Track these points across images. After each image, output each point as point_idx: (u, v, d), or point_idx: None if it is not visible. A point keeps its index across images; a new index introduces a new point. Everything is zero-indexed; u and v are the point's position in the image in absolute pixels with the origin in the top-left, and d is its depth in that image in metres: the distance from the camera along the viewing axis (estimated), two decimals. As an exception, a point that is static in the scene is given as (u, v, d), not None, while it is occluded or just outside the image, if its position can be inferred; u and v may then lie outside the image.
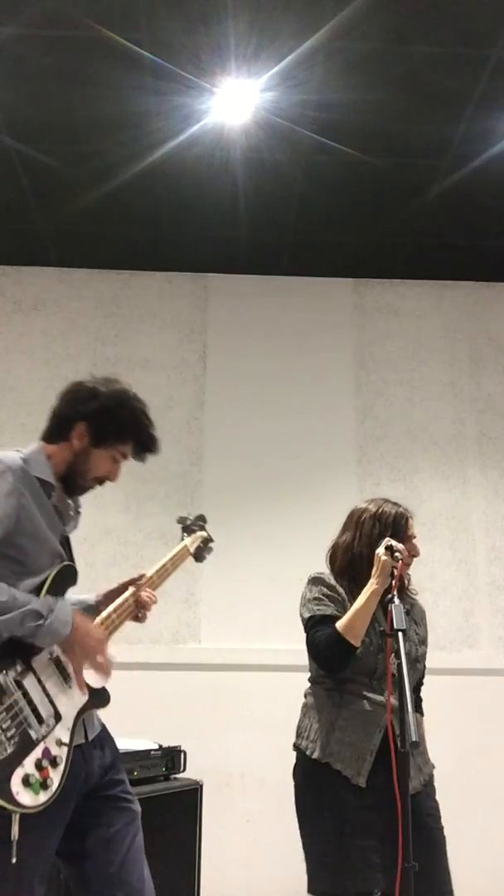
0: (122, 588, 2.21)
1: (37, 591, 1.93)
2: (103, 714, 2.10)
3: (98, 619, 2.07)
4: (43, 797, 1.73)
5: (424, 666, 2.58)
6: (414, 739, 1.87)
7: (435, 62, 3.11)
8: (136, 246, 4.44)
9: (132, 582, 2.21)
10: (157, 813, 3.09)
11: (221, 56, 3.06)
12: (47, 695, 1.85)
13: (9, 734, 1.72)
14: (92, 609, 2.20)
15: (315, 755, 2.31)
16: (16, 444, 4.93)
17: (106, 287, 4.64)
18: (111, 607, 2.13)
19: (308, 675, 2.53)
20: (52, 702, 1.85)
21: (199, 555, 2.52)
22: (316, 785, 2.32)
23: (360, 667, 2.34)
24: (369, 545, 2.41)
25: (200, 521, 2.61)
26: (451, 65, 3.12)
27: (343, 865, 2.18)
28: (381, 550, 2.31)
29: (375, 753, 2.26)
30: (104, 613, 2.10)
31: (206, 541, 2.57)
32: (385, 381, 4.63)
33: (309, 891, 2.28)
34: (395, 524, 2.47)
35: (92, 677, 1.98)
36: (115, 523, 4.29)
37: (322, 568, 2.56)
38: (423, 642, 2.58)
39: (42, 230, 4.26)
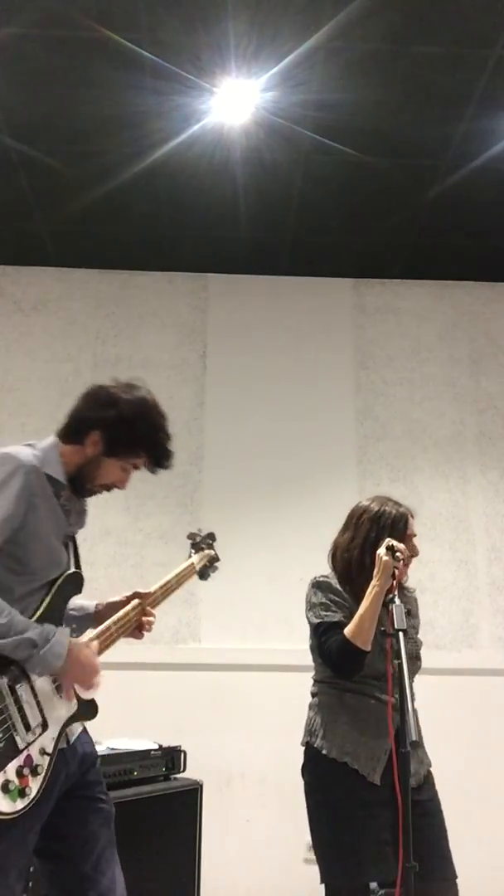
0: (124, 601, 2.18)
1: (39, 597, 1.92)
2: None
3: (96, 631, 2.06)
4: (20, 804, 1.72)
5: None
6: (414, 739, 1.88)
7: (435, 62, 3.11)
8: (136, 246, 4.44)
9: (136, 596, 2.19)
10: (157, 813, 3.09)
11: (221, 56, 3.06)
12: (38, 703, 1.84)
13: None
14: (91, 618, 2.19)
15: (332, 754, 2.34)
16: (16, 445, 4.89)
17: (106, 287, 4.64)
18: (111, 620, 2.10)
19: (313, 673, 2.55)
20: (41, 710, 1.84)
21: (204, 573, 2.52)
22: (331, 782, 2.35)
23: (367, 669, 2.35)
24: (364, 549, 2.42)
25: (209, 539, 2.60)
26: (451, 65, 3.11)
27: (360, 857, 2.23)
28: (381, 551, 2.31)
29: (389, 752, 2.28)
30: (103, 626, 2.08)
31: (213, 559, 2.57)
32: (385, 381, 4.63)
33: (323, 881, 2.32)
34: (393, 526, 2.46)
35: (81, 689, 1.98)
36: (114, 523, 4.29)
37: (321, 567, 2.56)
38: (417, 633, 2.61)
39: (42, 230, 4.26)
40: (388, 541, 2.34)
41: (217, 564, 2.58)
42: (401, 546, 2.32)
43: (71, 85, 3.24)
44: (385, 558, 2.28)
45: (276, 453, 4.46)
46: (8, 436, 4.40)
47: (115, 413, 2.03)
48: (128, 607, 2.15)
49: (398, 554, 2.28)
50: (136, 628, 2.16)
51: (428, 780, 2.44)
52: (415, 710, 2.45)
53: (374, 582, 2.30)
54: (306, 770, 2.43)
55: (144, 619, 2.16)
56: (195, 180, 3.80)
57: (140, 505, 4.33)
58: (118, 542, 4.29)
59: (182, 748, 3.42)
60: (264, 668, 4.06)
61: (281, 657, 4.03)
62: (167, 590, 2.28)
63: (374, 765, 2.31)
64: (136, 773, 3.17)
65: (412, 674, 2.45)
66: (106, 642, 2.05)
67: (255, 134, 3.49)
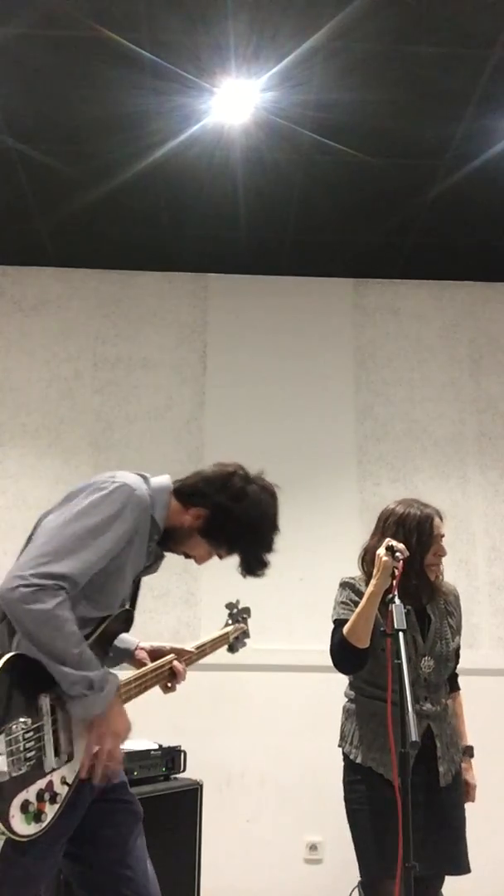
0: (166, 651, 2.22)
1: (91, 628, 1.92)
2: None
3: (134, 674, 2.08)
4: (32, 829, 1.69)
5: (458, 654, 2.66)
6: (414, 739, 1.88)
7: (435, 62, 3.11)
8: (136, 246, 4.44)
9: (176, 651, 2.23)
10: (157, 813, 3.09)
11: (221, 56, 3.06)
12: (71, 731, 1.83)
13: (28, 755, 1.70)
14: (129, 654, 2.21)
15: (358, 760, 2.45)
16: (16, 445, 4.91)
17: (106, 287, 4.64)
18: (150, 667, 2.13)
19: (347, 678, 2.61)
20: (72, 740, 1.83)
21: (234, 646, 2.56)
22: (362, 784, 2.45)
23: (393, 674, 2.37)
24: None
25: (245, 614, 2.64)
26: (451, 65, 3.11)
27: (392, 852, 2.25)
28: (381, 551, 2.31)
29: (415, 756, 2.29)
30: (142, 671, 2.11)
31: (245, 634, 2.61)
32: (385, 381, 4.63)
33: (360, 877, 2.44)
34: (419, 528, 2.47)
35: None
36: (115, 523, 4.28)
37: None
38: (458, 632, 2.63)
39: (42, 230, 4.25)
40: (388, 540, 2.34)
41: (247, 640, 2.62)
42: (400, 546, 2.32)
43: (71, 85, 3.24)
44: (384, 558, 2.28)
45: (276, 453, 4.43)
46: (8, 436, 4.40)
47: (234, 508, 2.01)
48: (165, 659, 2.19)
49: (398, 554, 2.28)
50: (168, 680, 2.20)
51: (457, 779, 2.58)
52: (445, 707, 2.50)
53: (372, 581, 2.31)
54: (343, 772, 2.54)
55: (180, 669, 2.20)
56: (195, 180, 3.80)
57: (140, 505, 4.32)
58: (118, 542, 4.28)
59: (182, 748, 3.42)
60: (264, 668, 4.05)
61: (281, 657, 4.02)
62: (201, 653, 2.33)
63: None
64: (136, 773, 3.17)
65: (444, 674, 2.49)
66: (141, 688, 2.08)
67: (255, 134, 3.49)
